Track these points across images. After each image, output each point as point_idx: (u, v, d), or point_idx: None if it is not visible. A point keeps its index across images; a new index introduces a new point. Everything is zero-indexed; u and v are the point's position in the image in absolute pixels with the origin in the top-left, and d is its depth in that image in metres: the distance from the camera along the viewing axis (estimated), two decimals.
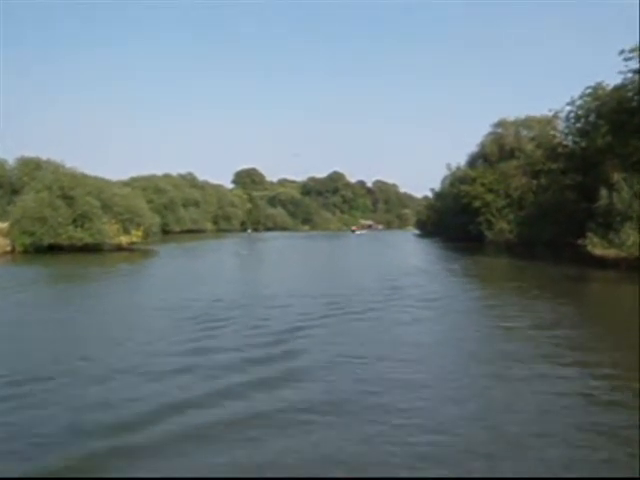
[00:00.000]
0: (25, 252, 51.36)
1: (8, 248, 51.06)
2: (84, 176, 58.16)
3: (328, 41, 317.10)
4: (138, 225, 57.59)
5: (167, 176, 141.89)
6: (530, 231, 55.76)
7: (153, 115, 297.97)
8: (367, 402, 9.96)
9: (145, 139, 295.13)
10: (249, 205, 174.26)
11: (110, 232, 54.79)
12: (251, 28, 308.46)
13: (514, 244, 61.27)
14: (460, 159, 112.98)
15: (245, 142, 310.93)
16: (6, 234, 51.52)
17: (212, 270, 39.27)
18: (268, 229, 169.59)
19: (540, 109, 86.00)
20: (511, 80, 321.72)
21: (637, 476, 7.06)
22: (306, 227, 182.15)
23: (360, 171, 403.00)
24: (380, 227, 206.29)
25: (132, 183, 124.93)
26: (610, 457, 7.63)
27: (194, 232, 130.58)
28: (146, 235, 58.91)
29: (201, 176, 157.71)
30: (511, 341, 15.02)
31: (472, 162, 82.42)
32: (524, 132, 77.06)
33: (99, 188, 56.42)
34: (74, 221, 53.64)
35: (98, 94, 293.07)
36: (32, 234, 51.59)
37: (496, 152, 76.23)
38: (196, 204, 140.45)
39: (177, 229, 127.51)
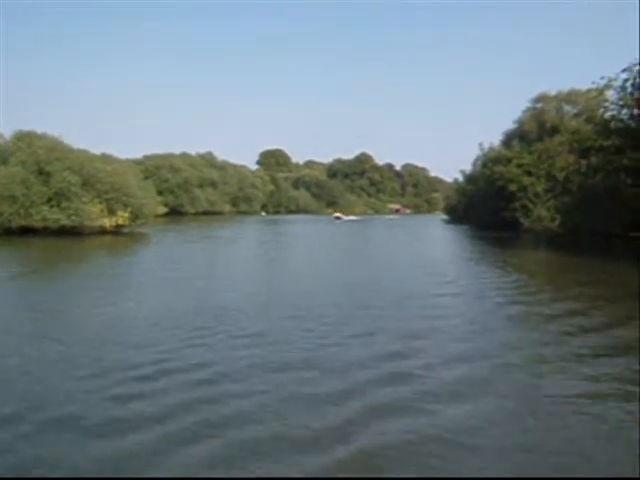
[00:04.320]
0: None
1: None
2: (65, 149, 51.50)
3: (356, 22, 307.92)
4: (125, 205, 50.79)
5: (185, 155, 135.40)
6: (576, 219, 47.76)
7: (178, 96, 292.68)
8: None
9: (170, 120, 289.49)
10: (271, 187, 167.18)
11: (92, 213, 48.20)
12: (274, 9, 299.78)
13: (555, 234, 53.38)
14: (494, 139, 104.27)
15: (272, 123, 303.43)
16: None
17: (195, 265, 31.94)
18: (290, 212, 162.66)
19: (582, 85, 77.24)
20: (550, 56, 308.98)
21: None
22: (330, 210, 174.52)
23: (388, 154, 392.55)
24: (408, 212, 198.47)
25: (145, 161, 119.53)
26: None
27: (210, 214, 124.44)
28: (135, 217, 52.12)
29: (227, 157, 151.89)
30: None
31: (508, 141, 74.12)
32: (567, 108, 68.90)
33: (81, 163, 49.63)
34: (49, 200, 47.23)
35: (117, 72, 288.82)
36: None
37: (535, 129, 68.06)
38: (213, 185, 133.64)
39: (192, 210, 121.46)
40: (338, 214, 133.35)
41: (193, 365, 10.74)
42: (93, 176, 49.49)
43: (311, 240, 54.62)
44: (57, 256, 34.55)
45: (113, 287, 21.44)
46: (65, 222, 46.72)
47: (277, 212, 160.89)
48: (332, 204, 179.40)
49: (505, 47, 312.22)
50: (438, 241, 56.66)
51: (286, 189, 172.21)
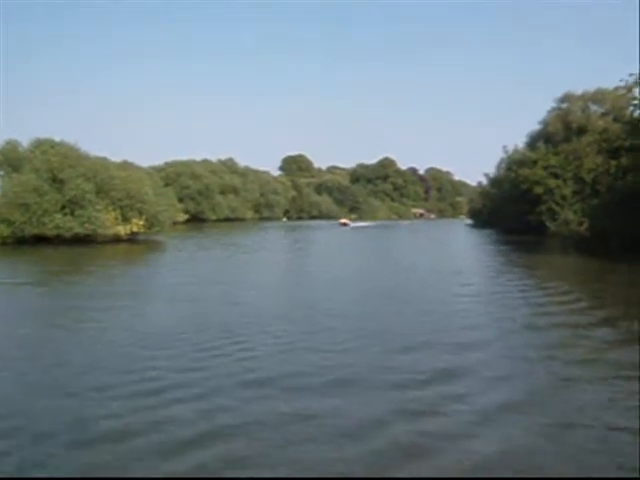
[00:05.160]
0: (3, 244, 44.40)
1: None
2: (80, 156, 50.67)
3: (379, 25, 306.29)
4: (140, 213, 49.84)
5: (206, 162, 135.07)
6: (605, 222, 45.79)
7: (199, 102, 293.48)
8: None
9: (192, 127, 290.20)
10: (293, 192, 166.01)
11: (106, 221, 47.31)
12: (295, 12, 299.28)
13: (583, 238, 51.38)
14: (519, 141, 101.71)
15: (295, 129, 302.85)
16: None
17: (205, 278, 30.12)
18: (313, 217, 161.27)
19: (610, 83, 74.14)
20: (578, 55, 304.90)
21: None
22: (353, 216, 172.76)
23: (412, 158, 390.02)
24: (432, 216, 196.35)
25: (166, 168, 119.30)
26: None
27: (231, 220, 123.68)
28: (151, 224, 51.17)
29: (249, 163, 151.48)
30: None
31: (532, 143, 72.16)
32: (594, 107, 66.79)
33: (95, 170, 48.78)
34: (63, 208, 46.43)
35: (135, 76, 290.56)
36: (11, 223, 44.55)
37: (561, 130, 65.96)
38: (235, 191, 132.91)
39: (213, 217, 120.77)
40: (344, 220, 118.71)
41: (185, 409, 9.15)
42: (107, 183, 48.65)
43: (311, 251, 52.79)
44: (65, 266, 33.53)
45: (115, 305, 20.18)
46: (78, 230, 45.91)
47: (300, 218, 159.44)
48: (355, 209, 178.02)
49: (527, 46, 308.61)
50: (461, 247, 54.68)
51: (308, 194, 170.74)
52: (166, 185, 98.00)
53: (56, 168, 47.26)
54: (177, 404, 9.24)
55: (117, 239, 48.58)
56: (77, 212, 46.28)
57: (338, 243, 60.91)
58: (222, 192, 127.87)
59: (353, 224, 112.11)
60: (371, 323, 15.69)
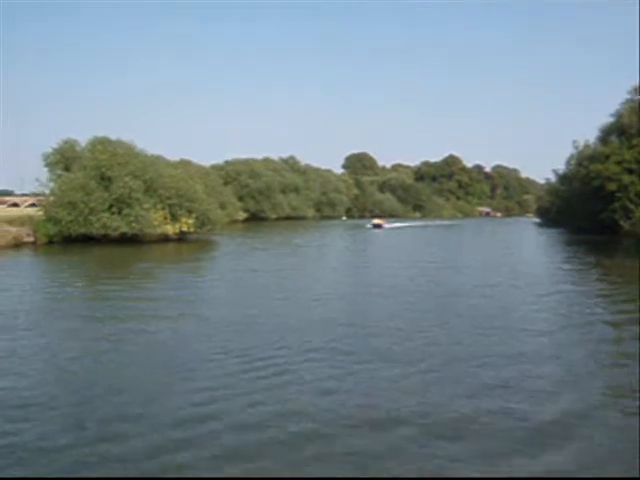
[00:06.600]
0: (50, 243, 43.70)
1: (30, 238, 43.28)
2: (130, 154, 49.45)
3: (439, 23, 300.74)
4: (189, 211, 48.49)
5: (267, 160, 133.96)
6: None
7: (268, 101, 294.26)
8: None
9: (255, 125, 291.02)
10: (356, 191, 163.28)
11: (154, 220, 46.09)
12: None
13: None
14: (590, 135, 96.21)
15: (359, 127, 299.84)
16: (21, 223, 43.82)
17: (248, 283, 26.73)
18: (375, 216, 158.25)
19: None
20: None
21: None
22: (417, 214, 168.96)
23: (478, 155, 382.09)
24: (498, 215, 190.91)
25: (226, 167, 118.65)
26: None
27: (292, 219, 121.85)
28: (201, 223, 49.74)
29: (313, 161, 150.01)
30: None
31: (604, 137, 67.92)
32: None
33: (144, 168, 47.61)
34: (110, 207, 45.38)
35: (197, 73, 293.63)
36: (58, 222, 43.76)
37: (636, 123, 61.58)
38: (296, 189, 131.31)
39: (273, 216, 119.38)
40: (378, 221, 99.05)
41: None
42: (156, 181, 47.49)
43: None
44: (101, 268, 32.25)
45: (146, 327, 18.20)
46: (125, 229, 44.80)
47: (362, 216, 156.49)
48: (419, 208, 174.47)
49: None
50: (530, 250, 50.42)
51: (371, 193, 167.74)
52: (225, 184, 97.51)
53: (104, 166, 46.35)
54: None
55: (165, 238, 47.35)
56: (124, 211, 45.20)
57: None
58: (283, 190, 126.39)
59: (387, 225, 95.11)
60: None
